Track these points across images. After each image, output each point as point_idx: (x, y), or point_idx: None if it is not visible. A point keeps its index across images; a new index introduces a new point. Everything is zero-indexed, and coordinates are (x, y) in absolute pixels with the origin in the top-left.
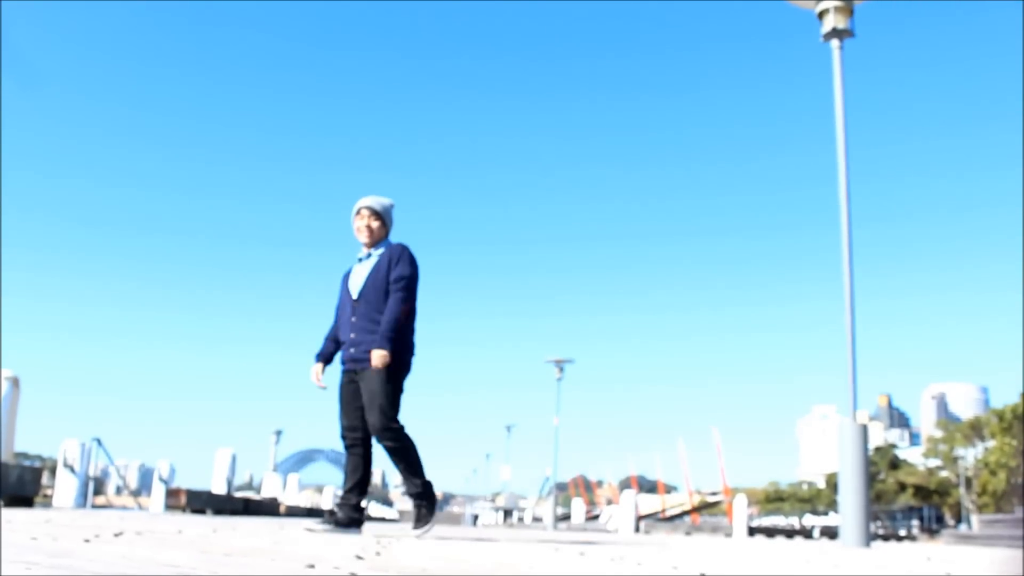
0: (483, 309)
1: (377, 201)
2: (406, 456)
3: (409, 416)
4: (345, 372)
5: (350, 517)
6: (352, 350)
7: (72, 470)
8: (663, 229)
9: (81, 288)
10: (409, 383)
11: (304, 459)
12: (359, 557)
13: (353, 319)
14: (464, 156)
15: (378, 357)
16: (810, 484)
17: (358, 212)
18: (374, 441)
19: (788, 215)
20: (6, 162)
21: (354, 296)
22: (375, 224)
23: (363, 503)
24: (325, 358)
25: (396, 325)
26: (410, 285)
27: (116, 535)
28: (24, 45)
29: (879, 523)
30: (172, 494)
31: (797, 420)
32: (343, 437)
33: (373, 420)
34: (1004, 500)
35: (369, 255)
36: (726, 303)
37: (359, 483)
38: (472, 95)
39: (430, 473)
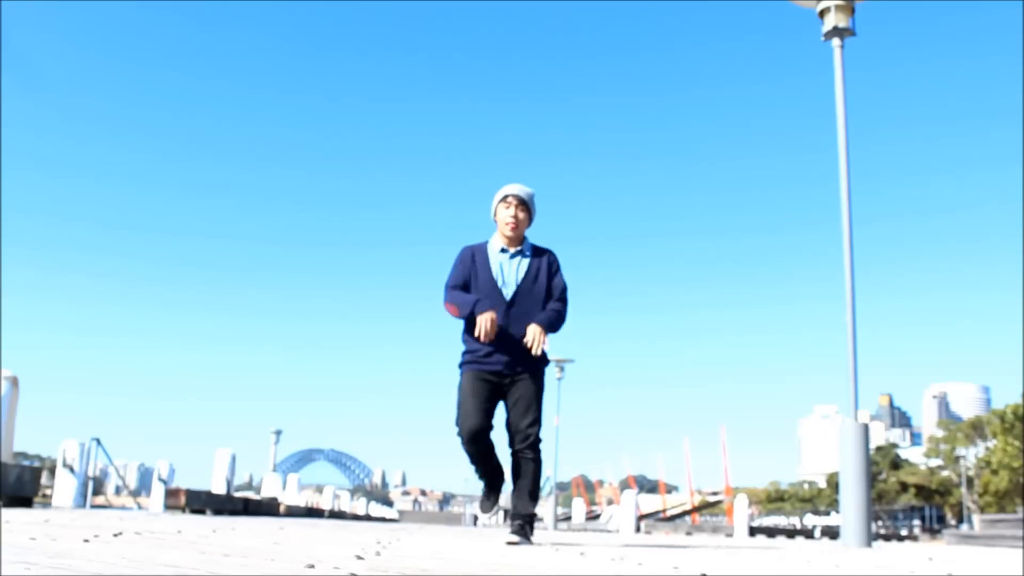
0: None
1: (523, 190)
2: (539, 472)
3: (409, 416)
4: (490, 372)
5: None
6: (505, 356)
7: (71, 470)
8: (664, 228)
9: (81, 288)
10: (410, 382)
11: (304, 459)
12: (359, 557)
13: (506, 321)
14: (464, 155)
15: (541, 333)
16: (811, 484)
17: (504, 199)
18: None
19: (789, 214)
20: (6, 162)
21: (507, 296)
22: (523, 215)
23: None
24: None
25: (561, 324)
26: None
27: (115, 535)
28: (24, 46)
29: (881, 523)
30: (171, 494)
31: (798, 420)
32: (473, 439)
33: (531, 429)
34: (1007, 499)
35: (518, 252)
36: (727, 303)
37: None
38: (474, 95)
39: (431, 472)
